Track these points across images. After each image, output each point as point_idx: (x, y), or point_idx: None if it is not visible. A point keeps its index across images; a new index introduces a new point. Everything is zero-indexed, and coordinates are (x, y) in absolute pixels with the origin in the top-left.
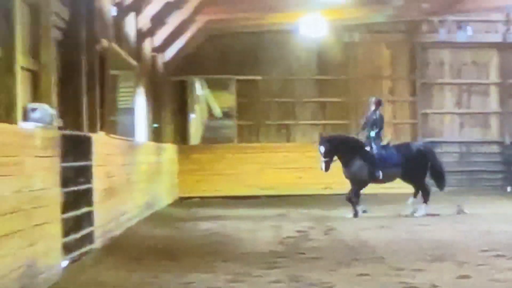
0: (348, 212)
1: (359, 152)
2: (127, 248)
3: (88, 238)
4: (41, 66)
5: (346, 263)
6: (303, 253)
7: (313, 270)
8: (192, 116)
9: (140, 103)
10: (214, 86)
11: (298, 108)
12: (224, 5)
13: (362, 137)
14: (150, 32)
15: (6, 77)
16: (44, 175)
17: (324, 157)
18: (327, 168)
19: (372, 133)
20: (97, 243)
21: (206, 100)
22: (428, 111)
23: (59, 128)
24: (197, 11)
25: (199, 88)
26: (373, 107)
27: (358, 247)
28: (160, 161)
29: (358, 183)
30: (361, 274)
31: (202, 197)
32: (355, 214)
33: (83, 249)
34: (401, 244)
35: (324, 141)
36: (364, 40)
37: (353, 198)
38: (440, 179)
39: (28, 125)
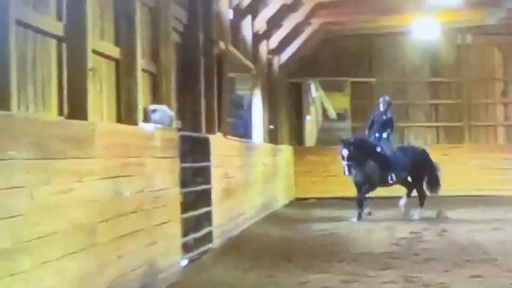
0: (353, 216)
1: (373, 155)
2: (244, 248)
3: (207, 238)
4: (160, 69)
5: (459, 265)
6: (417, 254)
7: (426, 271)
8: (308, 117)
9: (257, 105)
10: (329, 88)
11: (411, 110)
12: (338, 8)
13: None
14: (266, 35)
15: (127, 79)
16: (164, 176)
17: (348, 160)
18: (350, 171)
19: (385, 135)
20: (215, 243)
21: (320, 102)
22: None
23: (178, 129)
24: (312, 14)
25: (314, 90)
26: (382, 108)
27: (471, 249)
28: (276, 162)
29: (370, 186)
30: (474, 276)
31: (318, 198)
32: (359, 217)
33: (202, 249)
34: None
35: (347, 144)
36: (476, 42)
37: (362, 201)
38: (437, 182)
39: (149, 126)
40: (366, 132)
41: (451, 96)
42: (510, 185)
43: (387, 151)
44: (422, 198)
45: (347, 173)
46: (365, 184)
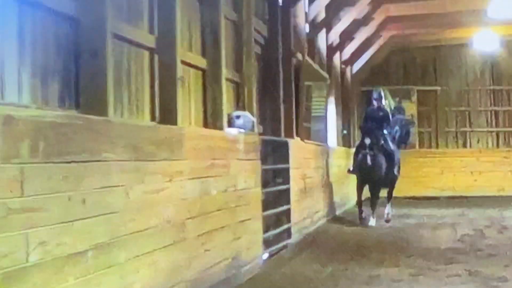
0: (372, 219)
1: (383, 150)
2: (320, 243)
3: (286, 234)
4: (243, 78)
5: None
6: (480, 250)
7: (488, 266)
8: None
9: (331, 111)
10: (397, 95)
11: (474, 116)
12: (406, 22)
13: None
14: (339, 47)
15: (213, 87)
16: (247, 176)
17: (370, 149)
18: (373, 161)
19: (385, 131)
20: (294, 239)
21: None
22: None
23: (260, 133)
24: (381, 27)
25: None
26: (377, 104)
27: None
28: (349, 164)
29: (385, 183)
30: None
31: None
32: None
33: (281, 244)
34: None
35: (368, 132)
36: None
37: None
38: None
39: (233, 131)
40: (364, 126)
41: (510, 103)
42: None
43: (391, 146)
44: (392, 194)
45: (370, 163)
46: (380, 182)
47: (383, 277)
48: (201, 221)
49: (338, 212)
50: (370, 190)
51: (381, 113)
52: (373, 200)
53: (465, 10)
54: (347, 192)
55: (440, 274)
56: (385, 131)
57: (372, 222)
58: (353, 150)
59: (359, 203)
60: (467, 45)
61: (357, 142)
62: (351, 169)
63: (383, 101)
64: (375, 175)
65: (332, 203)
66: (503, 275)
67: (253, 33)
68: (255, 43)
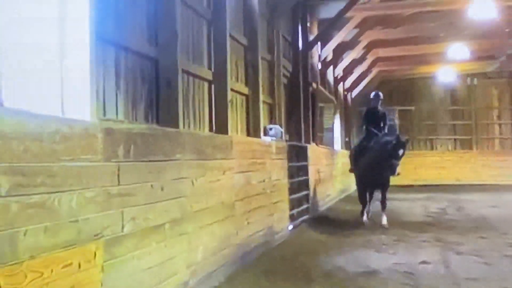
0: (384, 220)
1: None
2: (330, 219)
3: (305, 211)
4: (275, 101)
5: (472, 230)
6: (443, 223)
7: (449, 234)
8: None
9: (337, 124)
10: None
11: (438, 128)
12: (390, 61)
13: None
14: (343, 78)
15: (254, 108)
16: (278, 171)
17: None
18: None
19: (386, 130)
20: (311, 215)
21: None
22: None
23: (287, 140)
24: (373, 65)
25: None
26: (376, 104)
27: (479, 220)
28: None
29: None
30: (481, 237)
31: None
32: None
33: (302, 218)
34: (507, 218)
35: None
36: (480, 83)
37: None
38: None
39: (267, 139)
40: (364, 128)
41: (464, 118)
42: (503, 178)
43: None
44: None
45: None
46: (387, 182)
47: (374, 241)
48: (245, 202)
49: (342, 196)
50: (379, 190)
51: (380, 113)
52: (383, 200)
53: (432, 52)
54: (348, 182)
55: (415, 240)
56: (385, 130)
57: (384, 220)
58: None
59: (364, 203)
60: (434, 77)
61: (359, 141)
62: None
63: (380, 102)
64: (383, 176)
65: (338, 189)
66: (461, 241)
67: (282, 69)
68: (283, 76)
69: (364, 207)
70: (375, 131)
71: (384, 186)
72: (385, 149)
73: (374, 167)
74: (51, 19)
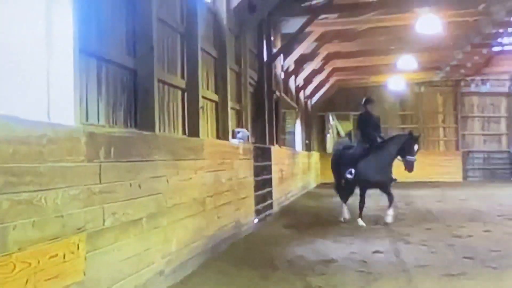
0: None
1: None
2: (291, 213)
3: (269, 206)
4: (242, 107)
5: (419, 222)
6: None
7: (399, 226)
8: (328, 135)
9: (298, 128)
10: (340, 118)
11: (390, 130)
12: (346, 71)
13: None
14: (303, 87)
15: (223, 113)
16: (244, 170)
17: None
18: None
19: (382, 134)
20: (274, 209)
21: (335, 126)
22: (465, 132)
23: (253, 143)
24: (330, 74)
25: (332, 119)
26: (370, 109)
27: (425, 213)
28: (310, 162)
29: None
30: (427, 228)
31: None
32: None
33: (266, 213)
34: (450, 211)
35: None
36: (427, 91)
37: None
38: None
39: (235, 141)
40: (359, 134)
41: (412, 122)
42: (447, 175)
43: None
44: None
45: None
46: (389, 182)
47: (332, 233)
48: (215, 198)
49: (302, 193)
50: (383, 189)
51: (375, 118)
52: (390, 198)
53: (383, 63)
54: (308, 180)
55: (369, 231)
56: (381, 134)
57: (390, 218)
58: (312, 153)
59: (345, 200)
60: (385, 86)
61: (356, 144)
62: (350, 176)
63: (372, 107)
64: (387, 175)
65: (299, 186)
66: (409, 232)
67: (248, 78)
68: (249, 85)
69: (345, 204)
70: (374, 134)
71: (387, 184)
72: (394, 149)
73: (382, 167)
74: (39, 35)
